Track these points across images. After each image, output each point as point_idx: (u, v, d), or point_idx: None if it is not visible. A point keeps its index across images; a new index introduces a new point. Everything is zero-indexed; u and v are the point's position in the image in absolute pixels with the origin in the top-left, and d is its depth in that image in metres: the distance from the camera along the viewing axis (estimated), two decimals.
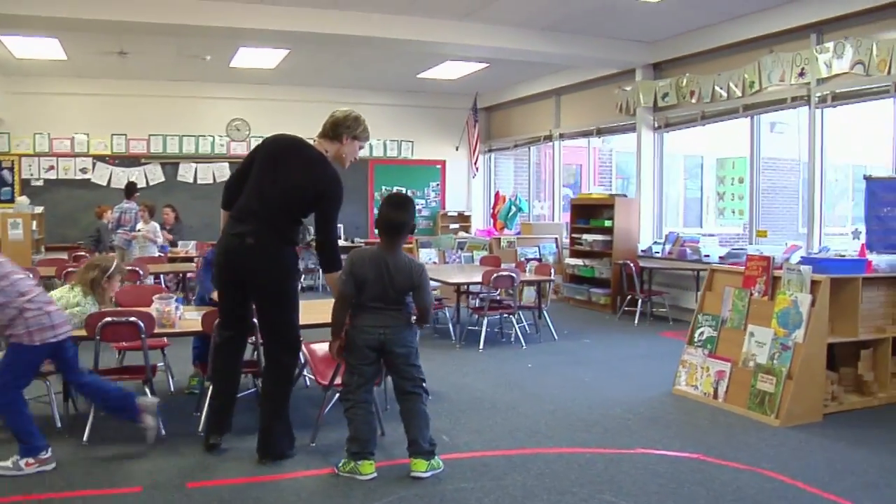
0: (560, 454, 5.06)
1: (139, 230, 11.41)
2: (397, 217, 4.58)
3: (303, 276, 12.89)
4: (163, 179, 14.74)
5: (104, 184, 14.40)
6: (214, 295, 6.20)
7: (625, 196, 11.92)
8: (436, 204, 16.65)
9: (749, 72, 9.80)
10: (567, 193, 15.10)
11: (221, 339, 4.95)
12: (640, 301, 10.56)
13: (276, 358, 4.86)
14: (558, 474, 4.66)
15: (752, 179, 10.22)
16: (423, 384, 4.64)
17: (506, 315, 9.24)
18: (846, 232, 11.04)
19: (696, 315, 6.88)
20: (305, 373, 6.27)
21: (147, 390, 5.38)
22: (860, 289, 6.24)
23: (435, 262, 11.37)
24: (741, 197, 10.25)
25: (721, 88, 10.26)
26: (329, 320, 4.67)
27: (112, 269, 5.64)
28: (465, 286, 9.22)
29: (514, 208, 14.79)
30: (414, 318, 4.66)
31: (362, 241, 14.55)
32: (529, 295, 10.30)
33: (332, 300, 4.71)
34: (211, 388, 5.08)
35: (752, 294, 6.41)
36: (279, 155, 4.81)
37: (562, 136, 14.28)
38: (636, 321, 10.47)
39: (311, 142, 4.94)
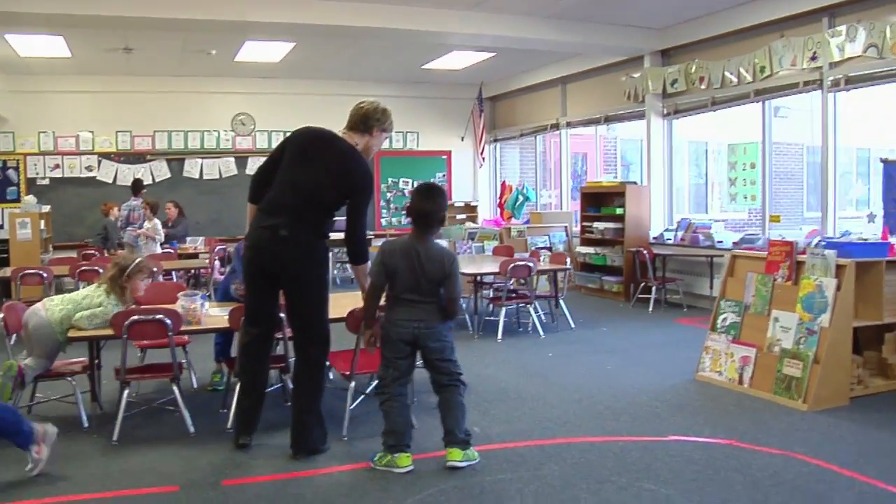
0: (593, 443, 5.04)
1: (146, 227, 11.36)
2: (426, 206, 4.59)
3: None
4: (169, 176, 14.68)
5: (110, 181, 14.35)
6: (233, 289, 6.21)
7: (635, 183, 11.88)
8: None
9: (760, 57, 9.76)
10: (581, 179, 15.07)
11: (250, 338, 4.89)
12: (653, 288, 10.52)
13: (306, 352, 4.82)
14: (594, 463, 4.64)
15: (764, 164, 10.19)
16: (460, 377, 4.62)
17: (522, 305, 9.22)
18: (855, 216, 11.04)
19: (719, 301, 6.86)
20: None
21: (176, 388, 5.34)
22: (883, 272, 6.22)
23: None
24: (753, 182, 10.21)
25: (731, 74, 10.22)
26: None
27: (131, 267, 5.59)
28: (481, 277, 9.15)
29: (521, 198, 14.71)
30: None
31: (371, 233, 14.49)
32: (541, 284, 10.27)
33: (353, 293, 4.71)
34: (239, 386, 5.01)
35: (775, 279, 6.39)
36: (312, 147, 4.80)
37: (569, 125, 14.23)
38: (650, 308, 10.45)
39: (341, 134, 4.93)
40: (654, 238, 11.53)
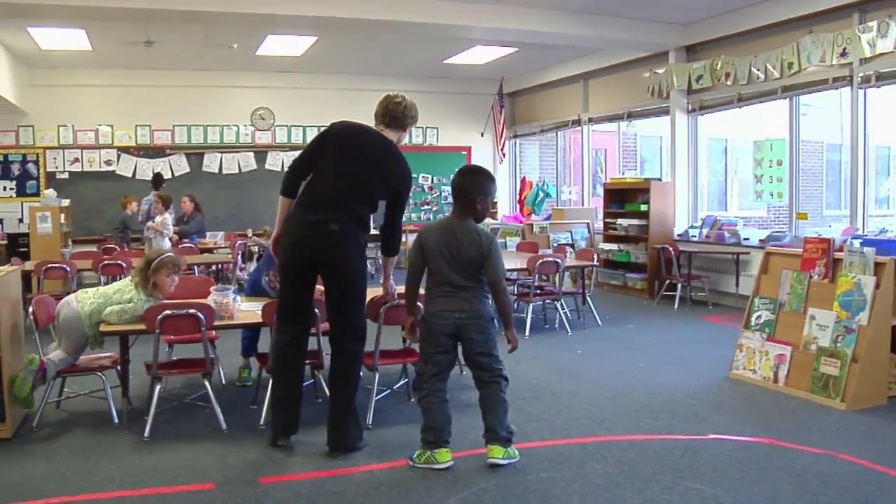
0: (633, 441, 4.97)
1: (157, 222, 11.28)
2: (459, 183, 4.64)
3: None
4: (188, 170, 14.62)
5: (129, 175, 14.30)
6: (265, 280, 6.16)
7: (659, 180, 11.77)
8: None
9: (787, 53, 9.63)
10: (599, 177, 14.97)
11: (288, 336, 4.79)
12: (679, 286, 10.42)
13: (343, 346, 4.76)
14: (636, 462, 4.57)
15: (792, 161, 10.08)
16: (502, 373, 4.54)
17: (549, 301, 9.14)
18: (878, 214, 10.92)
19: (752, 298, 6.77)
20: None
21: (208, 384, 5.29)
22: None
23: None
24: (780, 179, 10.10)
25: (758, 70, 10.09)
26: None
27: (156, 262, 5.52)
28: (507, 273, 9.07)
29: (541, 194, 14.65)
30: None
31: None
32: (565, 280, 10.17)
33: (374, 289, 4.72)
34: (274, 386, 4.91)
35: (811, 277, 6.30)
36: (356, 142, 4.76)
37: (590, 121, 14.12)
38: (676, 306, 10.34)
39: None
40: (679, 235, 11.42)
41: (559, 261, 8.50)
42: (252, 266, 12.27)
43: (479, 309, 4.46)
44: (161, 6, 9.11)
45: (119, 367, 5.51)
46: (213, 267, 11.09)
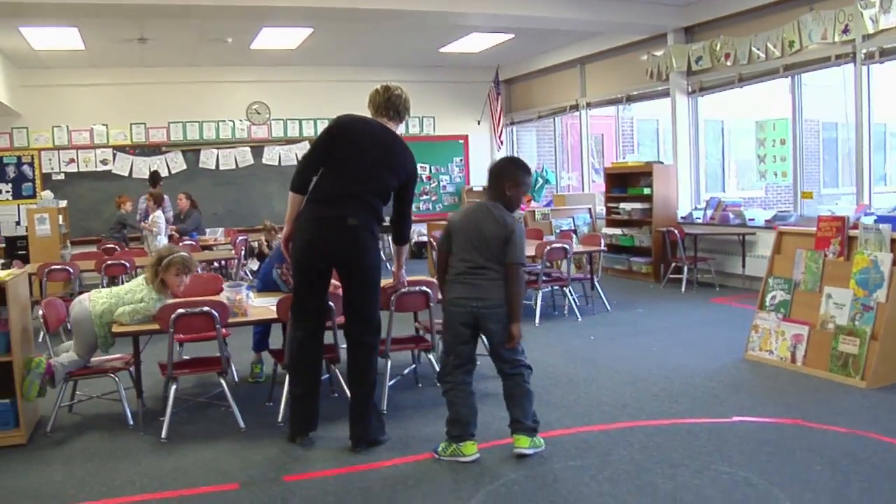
0: (657, 426, 4.91)
1: (149, 220, 11.18)
2: (493, 169, 4.61)
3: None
4: (185, 167, 14.48)
5: (125, 174, 14.16)
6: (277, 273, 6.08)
7: (661, 163, 11.70)
8: (460, 179, 16.42)
9: (788, 31, 9.55)
10: (592, 163, 14.89)
11: (306, 333, 4.71)
12: (685, 268, 10.36)
13: (361, 340, 4.71)
14: (663, 447, 4.52)
15: (795, 140, 10.01)
16: (525, 363, 4.47)
17: (557, 287, 9.08)
18: (878, 191, 10.84)
19: (766, 279, 6.72)
20: None
21: (224, 382, 5.22)
22: None
23: None
24: (783, 159, 10.03)
25: (758, 49, 10.01)
26: None
27: (166, 259, 5.43)
28: None
29: (540, 180, 14.59)
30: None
31: (386, 217, 14.31)
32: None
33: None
34: (291, 383, 4.85)
35: (826, 255, 6.25)
36: (365, 137, 4.69)
37: (588, 105, 14.04)
38: (683, 289, 10.28)
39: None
40: (683, 217, 11.35)
41: (567, 247, 8.42)
42: (253, 262, 12.21)
43: (496, 297, 4.37)
44: (156, 1, 9.00)
45: (132, 369, 5.43)
46: (215, 264, 10.98)
